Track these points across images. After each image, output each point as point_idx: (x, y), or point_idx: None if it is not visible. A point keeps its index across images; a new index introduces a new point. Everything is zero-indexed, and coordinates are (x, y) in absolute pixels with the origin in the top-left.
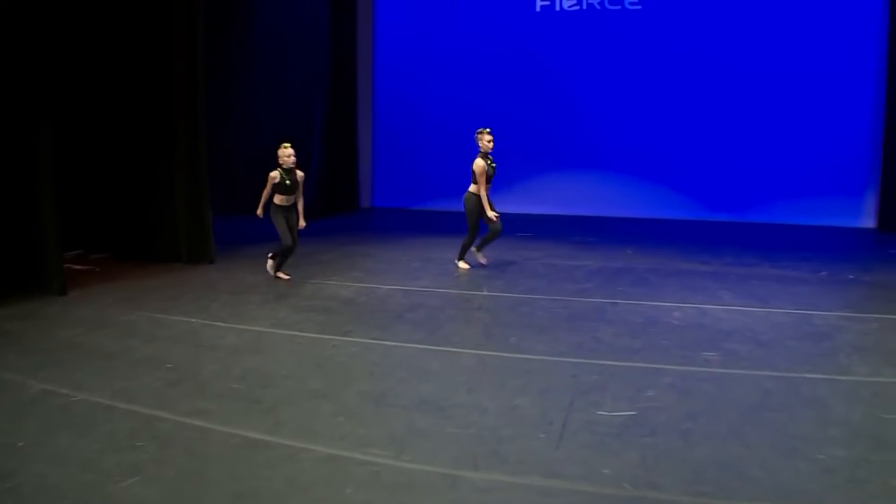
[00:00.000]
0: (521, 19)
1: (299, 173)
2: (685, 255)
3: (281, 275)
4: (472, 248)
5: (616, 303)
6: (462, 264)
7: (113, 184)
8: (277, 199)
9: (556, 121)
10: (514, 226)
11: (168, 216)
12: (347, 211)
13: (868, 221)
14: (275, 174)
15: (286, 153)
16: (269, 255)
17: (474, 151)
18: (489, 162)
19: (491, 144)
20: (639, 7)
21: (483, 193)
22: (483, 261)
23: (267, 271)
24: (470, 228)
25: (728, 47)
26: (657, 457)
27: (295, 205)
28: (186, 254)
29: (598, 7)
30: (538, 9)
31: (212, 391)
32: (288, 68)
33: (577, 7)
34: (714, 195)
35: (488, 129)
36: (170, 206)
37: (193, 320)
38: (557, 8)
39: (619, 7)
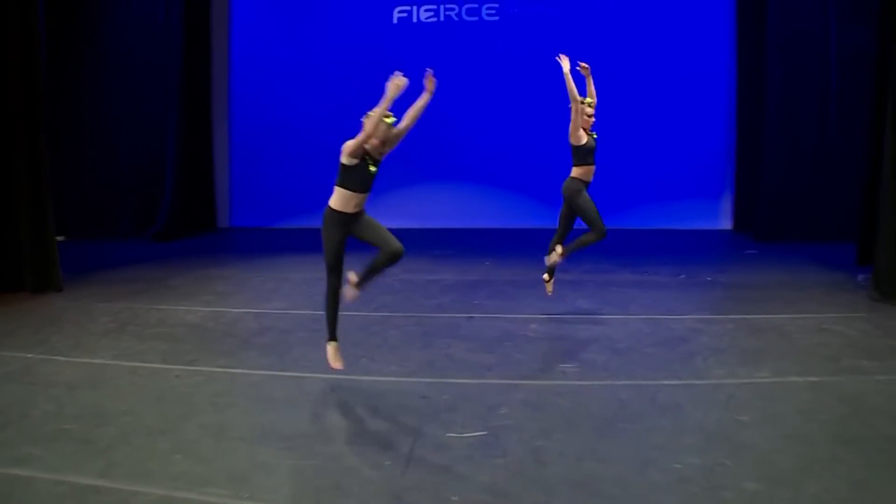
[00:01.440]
0: (378, 31)
1: None
2: (544, 264)
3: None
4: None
5: (471, 317)
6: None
7: None
8: None
9: (414, 133)
10: None
11: (10, 242)
12: (204, 232)
13: (725, 223)
14: None
15: None
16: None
17: (335, 166)
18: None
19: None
20: (496, 18)
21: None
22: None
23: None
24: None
25: (585, 57)
26: (509, 479)
27: None
28: (31, 282)
29: (456, 18)
30: (395, 20)
31: (41, 434)
32: (143, 88)
33: (435, 18)
34: None
35: None
36: (11, 231)
37: (29, 355)
38: (415, 19)
39: (476, 18)
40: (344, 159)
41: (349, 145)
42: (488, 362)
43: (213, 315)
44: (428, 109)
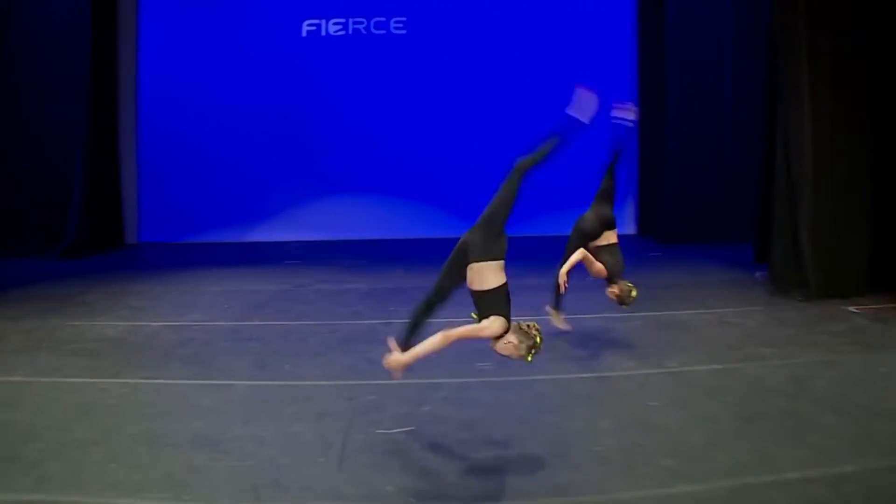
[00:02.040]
0: (288, 44)
1: None
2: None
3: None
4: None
5: (389, 322)
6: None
7: None
8: None
9: (324, 145)
10: (283, 254)
11: None
12: (112, 248)
13: (629, 228)
14: None
15: None
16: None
17: (245, 178)
18: None
19: None
20: (403, 31)
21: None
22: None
23: None
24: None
25: (488, 70)
26: (439, 468)
27: None
28: None
29: (364, 32)
30: (304, 33)
31: None
32: (47, 101)
33: (343, 32)
34: (480, 212)
35: None
36: None
37: None
38: (324, 32)
39: (384, 32)
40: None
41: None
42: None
43: (131, 329)
44: (339, 123)
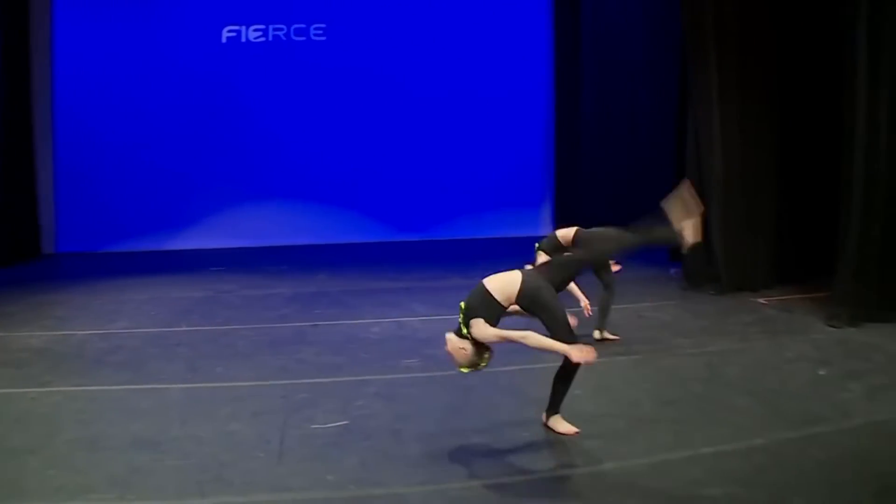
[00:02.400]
0: (208, 50)
1: None
2: (377, 274)
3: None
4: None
5: (316, 325)
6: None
7: None
8: None
9: (243, 152)
10: (205, 261)
11: None
12: (29, 258)
13: (546, 229)
14: None
15: None
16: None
17: (165, 186)
18: None
19: None
20: (323, 38)
21: None
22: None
23: None
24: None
25: (408, 75)
26: (376, 458)
27: None
28: None
29: (284, 38)
30: (224, 40)
31: None
32: None
33: (263, 38)
34: (400, 217)
35: None
36: None
37: None
38: (244, 39)
39: (304, 38)
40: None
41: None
42: (338, 363)
43: (58, 338)
44: (259, 129)
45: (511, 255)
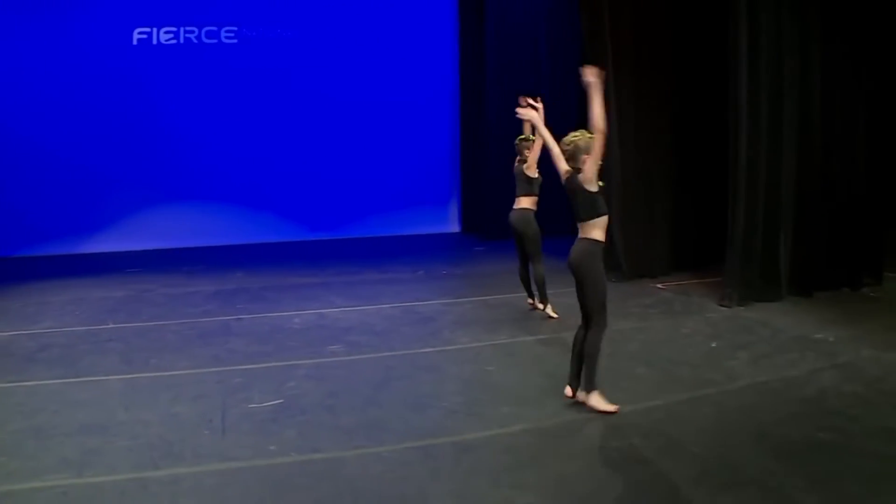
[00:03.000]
0: (119, 52)
1: None
2: (295, 271)
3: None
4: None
5: (240, 318)
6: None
7: None
8: None
9: (155, 154)
10: (120, 263)
11: None
12: None
13: (454, 227)
14: None
15: None
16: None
17: (78, 188)
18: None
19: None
20: (235, 41)
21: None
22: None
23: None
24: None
25: (319, 78)
26: (312, 429)
27: None
28: None
29: (196, 41)
30: (135, 41)
31: None
32: None
33: (175, 41)
34: (313, 216)
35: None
36: None
37: None
38: (155, 41)
39: (215, 41)
40: (593, 186)
41: (593, 169)
42: (267, 351)
43: None
44: (171, 132)
45: (421, 251)
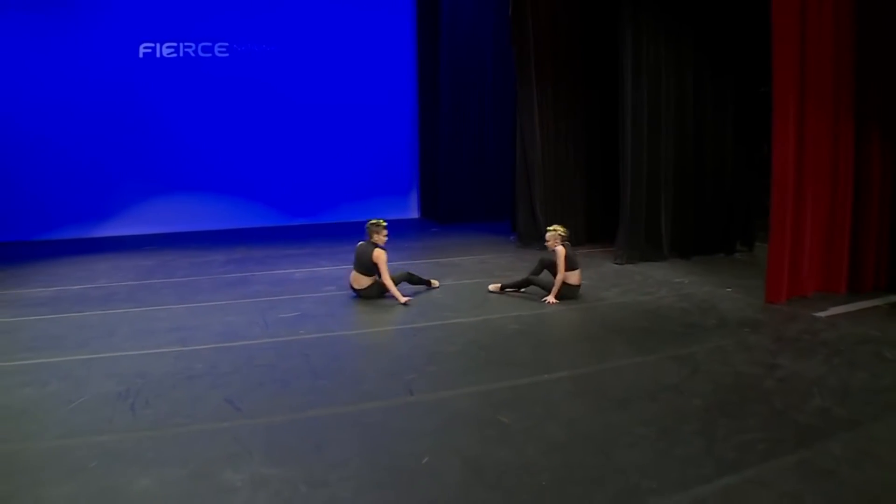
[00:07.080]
0: (126, 63)
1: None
2: (287, 246)
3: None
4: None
5: (254, 273)
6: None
7: None
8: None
9: (158, 152)
10: (133, 244)
11: None
12: None
13: (414, 213)
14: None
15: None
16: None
17: (91, 180)
18: None
19: (386, 239)
20: (227, 55)
21: (389, 283)
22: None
23: None
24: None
25: (298, 84)
26: (323, 324)
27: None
28: None
29: (193, 55)
30: (141, 55)
31: None
32: None
33: (175, 54)
34: (296, 204)
35: (384, 223)
36: None
37: None
38: (158, 55)
39: (210, 55)
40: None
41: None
42: (280, 290)
43: (59, 292)
44: (169, 132)
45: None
